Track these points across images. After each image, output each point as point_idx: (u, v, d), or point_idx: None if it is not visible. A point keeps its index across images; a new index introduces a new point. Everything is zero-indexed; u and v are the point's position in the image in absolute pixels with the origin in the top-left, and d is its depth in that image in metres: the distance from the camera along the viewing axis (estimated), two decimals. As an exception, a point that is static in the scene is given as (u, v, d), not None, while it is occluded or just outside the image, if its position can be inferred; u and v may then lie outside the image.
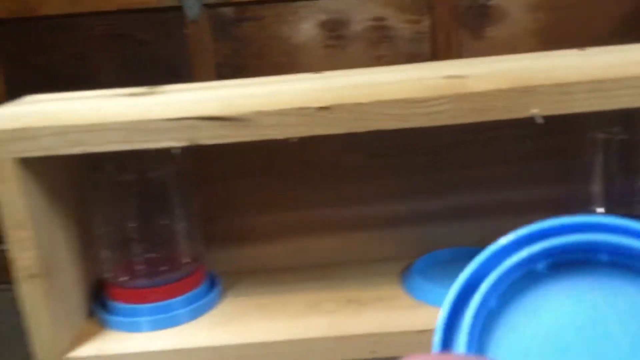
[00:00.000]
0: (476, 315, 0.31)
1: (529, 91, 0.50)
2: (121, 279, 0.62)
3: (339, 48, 1.72)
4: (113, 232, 0.62)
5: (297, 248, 0.71)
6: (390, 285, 0.66)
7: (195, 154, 0.68)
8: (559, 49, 0.69)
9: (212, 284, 0.66)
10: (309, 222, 0.71)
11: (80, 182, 0.62)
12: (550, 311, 0.31)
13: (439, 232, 0.71)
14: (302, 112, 0.51)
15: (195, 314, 0.62)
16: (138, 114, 0.52)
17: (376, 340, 0.58)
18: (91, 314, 0.64)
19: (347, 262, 0.71)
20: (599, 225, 0.32)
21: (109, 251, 0.63)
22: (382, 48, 1.72)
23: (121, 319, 0.61)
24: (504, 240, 0.32)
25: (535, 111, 0.50)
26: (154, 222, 0.63)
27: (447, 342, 0.32)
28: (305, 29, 1.70)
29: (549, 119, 0.50)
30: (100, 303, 0.64)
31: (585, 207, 0.65)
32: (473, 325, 0.31)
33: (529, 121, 0.67)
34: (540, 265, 0.32)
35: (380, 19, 1.70)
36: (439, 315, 0.31)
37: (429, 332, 0.59)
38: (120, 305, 0.61)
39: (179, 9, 1.68)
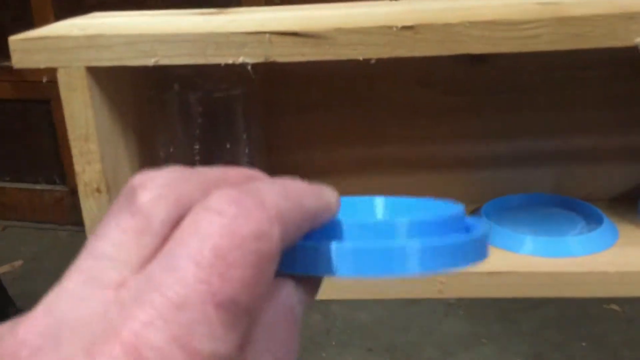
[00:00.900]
0: None
1: (634, 17, 0.46)
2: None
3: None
4: (176, 154, 0.61)
5: (362, 185, 0.69)
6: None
7: (265, 81, 0.66)
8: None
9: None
10: (376, 159, 0.68)
11: (146, 100, 0.61)
12: None
13: (510, 176, 0.68)
14: (384, 31, 0.48)
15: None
16: (212, 27, 0.50)
17: (443, 281, 0.56)
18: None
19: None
20: None
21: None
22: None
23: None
24: None
25: (640, 40, 0.46)
26: (218, 146, 0.61)
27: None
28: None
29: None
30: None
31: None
32: None
33: (623, 60, 0.63)
34: None
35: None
36: None
37: (496, 275, 0.57)
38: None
39: None
